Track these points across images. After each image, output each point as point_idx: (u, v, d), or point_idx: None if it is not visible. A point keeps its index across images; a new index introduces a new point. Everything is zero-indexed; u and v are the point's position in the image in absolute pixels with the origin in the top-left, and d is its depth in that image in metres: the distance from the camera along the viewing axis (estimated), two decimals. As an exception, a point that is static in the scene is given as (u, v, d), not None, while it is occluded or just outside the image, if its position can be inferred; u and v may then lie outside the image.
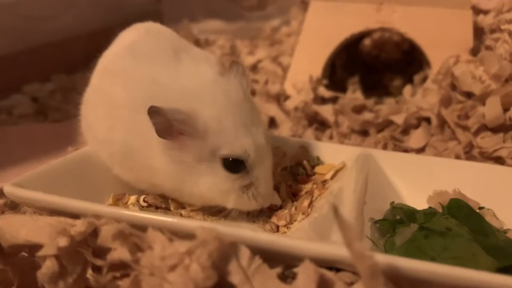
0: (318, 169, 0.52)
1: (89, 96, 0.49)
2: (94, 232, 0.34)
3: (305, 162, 0.52)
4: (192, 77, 0.44)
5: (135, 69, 0.45)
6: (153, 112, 0.40)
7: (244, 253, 0.30)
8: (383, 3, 0.76)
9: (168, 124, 0.41)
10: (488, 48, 0.70)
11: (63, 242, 0.32)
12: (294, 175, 0.51)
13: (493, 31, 0.74)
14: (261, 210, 0.46)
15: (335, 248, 0.32)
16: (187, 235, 0.31)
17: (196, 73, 0.45)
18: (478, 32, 0.75)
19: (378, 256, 0.29)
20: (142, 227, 0.33)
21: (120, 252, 0.32)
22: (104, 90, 0.46)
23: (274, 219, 0.45)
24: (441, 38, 0.72)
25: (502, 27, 0.70)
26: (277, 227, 0.44)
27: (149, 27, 0.51)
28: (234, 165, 0.43)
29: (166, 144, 0.42)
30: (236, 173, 0.43)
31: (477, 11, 0.80)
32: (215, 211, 0.46)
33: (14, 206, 0.53)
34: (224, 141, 0.42)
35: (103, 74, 0.48)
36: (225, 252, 0.30)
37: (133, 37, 0.49)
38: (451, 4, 0.73)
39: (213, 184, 0.43)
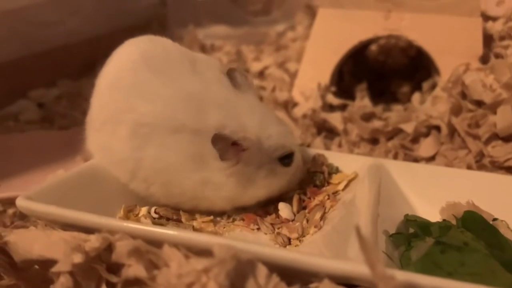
0: (332, 178, 0.51)
1: (98, 116, 0.47)
2: (109, 247, 0.34)
3: (324, 167, 0.52)
4: (221, 89, 0.46)
5: (157, 83, 0.45)
6: (218, 139, 0.42)
7: (262, 271, 0.30)
8: (391, 11, 0.76)
9: (228, 147, 0.43)
10: (498, 55, 0.70)
11: (77, 258, 0.32)
12: (309, 184, 0.51)
13: (502, 38, 0.73)
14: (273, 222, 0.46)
15: (353, 265, 0.31)
16: (203, 250, 0.31)
17: (221, 84, 0.46)
18: (487, 39, 0.74)
19: (399, 275, 0.28)
20: (156, 242, 0.33)
21: (135, 269, 0.31)
22: (121, 107, 0.45)
23: (286, 232, 0.45)
24: (450, 45, 0.72)
25: (513, 34, 0.69)
26: (289, 239, 0.44)
27: (151, 38, 0.50)
28: (288, 159, 0.47)
29: (224, 163, 0.44)
30: (290, 165, 0.47)
31: (486, 17, 0.80)
32: (227, 222, 0.47)
33: (23, 216, 0.52)
34: (276, 143, 0.46)
35: (113, 90, 0.46)
36: (243, 270, 0.29)
37: (140, 50, 0.48)
38: (460, 12, 0.73)
39: (275, 183, 0.47)
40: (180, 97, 0.44)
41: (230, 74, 0.48)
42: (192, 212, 0.47)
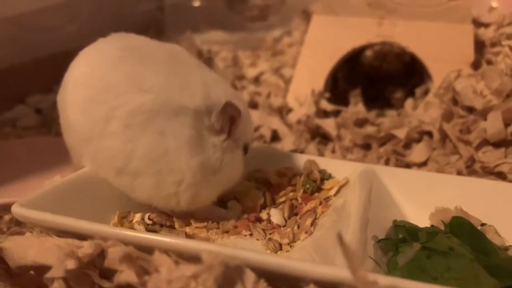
0: (324, 184, 0.52)
1: (84, 127, 0.46)
2: (101, 253, 0.34)
3: (317, 174, 0.52)
4: (199, 70, 0.48)
5: (147, 73, 0.45)
6: (227, 107, 0.44)
7: (249, 277, 0.31)
8: (384, 18, 0.77)
9: (226, 118, 0.45)
10: (489, 62, 0.71)
11: (71, 264, 0.33)
12: (301, 190, 0.52)
13: (493, 44, 0.74)
14: (265, 228, 0.47)
15: (338, 270, 0.32)
16: (194, 257, 0.32)
17: (197, 66, 0.48)
18: (479, 46, 0.76)
19: (382, 280, 0.29)
20: (148, 248, 0.34)
21: (127, 275, 0.32)
22: (113, 105, 0.44)
23: (277, 237, 0.46)
24: (442, 52, 0.73)
25: (503, 42, 0.70)
26: (280, 245, 0.45)
27: (119, 36, 0.51)
28: (246, 149, 0.49)
29: (219, 138, 0.45)
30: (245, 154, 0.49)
31: (478, 24, 0.81)
32: (222, 230, 0.47)
33: (20, 222, 0.53)
34: (246, 129, 0.49)
35: (94, 88, 0.45)
36: (231, 276, 0.30)
37: (118, 47, 0.48)
38: (452, 18, 0.74)
39: (240, 170, 0.49)
40: (171, 83, 0.44)
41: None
42: (185, 218, 0.48)
